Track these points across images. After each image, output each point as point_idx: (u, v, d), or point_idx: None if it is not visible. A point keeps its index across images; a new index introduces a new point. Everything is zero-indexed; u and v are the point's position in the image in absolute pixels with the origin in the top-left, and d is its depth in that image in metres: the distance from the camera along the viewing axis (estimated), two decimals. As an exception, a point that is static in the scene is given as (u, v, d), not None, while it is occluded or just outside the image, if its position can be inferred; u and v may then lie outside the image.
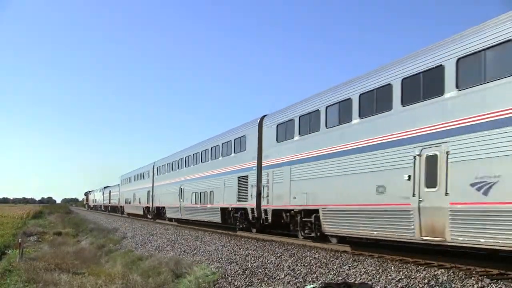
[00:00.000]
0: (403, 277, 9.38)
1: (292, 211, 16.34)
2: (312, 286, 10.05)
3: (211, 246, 18.35)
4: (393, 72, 11.98)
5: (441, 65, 10.43)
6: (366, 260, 11.56)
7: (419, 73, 11.10)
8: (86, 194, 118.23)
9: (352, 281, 9.87)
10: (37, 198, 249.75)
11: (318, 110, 14.99)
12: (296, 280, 10.99)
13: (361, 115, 12.96)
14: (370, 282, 9.52)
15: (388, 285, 9.17)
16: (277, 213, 17.45)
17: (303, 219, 15.75)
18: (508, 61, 8.98)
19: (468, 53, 9.78)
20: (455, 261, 10.27)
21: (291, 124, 16.68)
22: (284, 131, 17.25)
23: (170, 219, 34.89)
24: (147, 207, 42.68)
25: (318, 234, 14.97)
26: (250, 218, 19.79)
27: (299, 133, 16.09)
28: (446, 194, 9.82)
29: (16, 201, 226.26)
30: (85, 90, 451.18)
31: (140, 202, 45.93)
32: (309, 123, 15.49)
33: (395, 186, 11.30)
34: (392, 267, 10.31)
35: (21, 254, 20.88)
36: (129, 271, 15.88)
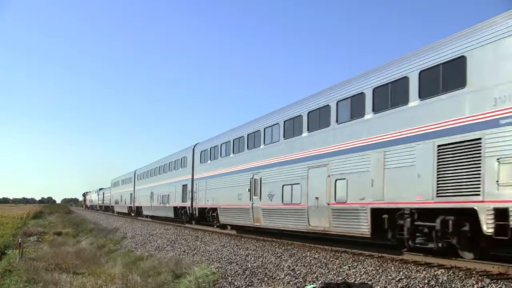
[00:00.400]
0: (403, 277, 9.38)
1: (207, 209, 24.81)
2: (312, 286, 10.06)
3: (211, 246, 18.37)
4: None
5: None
6: (366, 260, 11.58)
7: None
8: (84, 194, 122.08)
9: (352, 281, 9.88)
10: (37, 198, 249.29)
11: (217, 145, 23.59)
12: (296, 280, 10.99)
13: (234, 151, 21.14)
14: (370, 282, 9.52)
15: (388, 285, 9.17)
16: (200, 210, 26.03)
17: (212, 214, 24.06)
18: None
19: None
20: (455, 261, 10.27)
21: (206, 152, 25.24)
22: (204, 156, 25.70)
23: (146, 216, 43.33)
24: (130, 206, 50.80)
25: (219, 224, 23.11)
26: (188, 213, 28.18)
27: (210, 159, 24.65)
28: (261, 199, 18.01)
29: (16, 201, 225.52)
30: (85, 90, 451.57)
31: (125, 203, 53.95)
32: (215, 153, 23.89)
33: (244, 194, 19.36)
34: (392, 267, 10.32)
35: (21, 254, 20.92)
36: (129, 271, 15.89)
